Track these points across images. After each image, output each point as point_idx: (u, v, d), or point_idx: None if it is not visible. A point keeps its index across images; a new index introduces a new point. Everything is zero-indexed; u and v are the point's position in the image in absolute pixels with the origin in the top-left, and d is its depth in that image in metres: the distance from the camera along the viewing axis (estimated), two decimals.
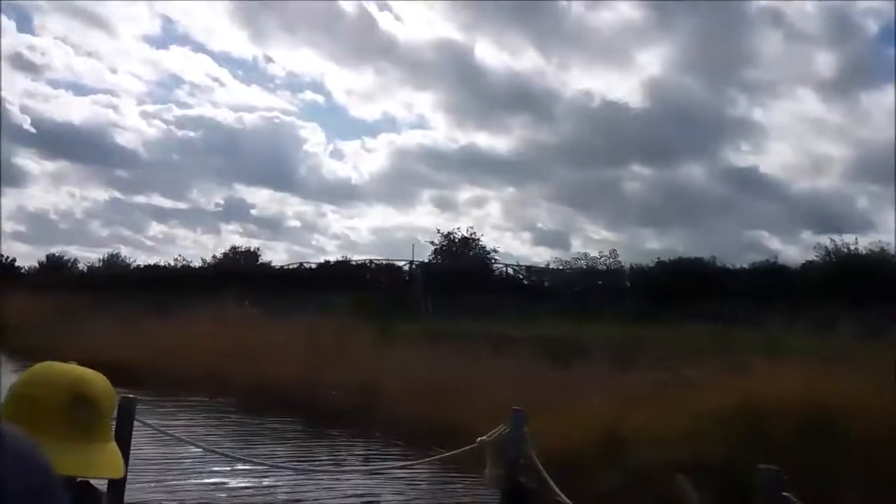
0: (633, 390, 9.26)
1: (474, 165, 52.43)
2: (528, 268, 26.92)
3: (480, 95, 51.82)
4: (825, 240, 23.35)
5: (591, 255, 26.15)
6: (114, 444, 1.10)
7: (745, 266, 22.60)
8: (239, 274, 28.35)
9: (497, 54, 59.87)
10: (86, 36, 61.08)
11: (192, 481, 7.70)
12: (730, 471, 6.13)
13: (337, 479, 8.07)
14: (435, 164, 58.59)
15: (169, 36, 60.17)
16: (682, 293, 19.92)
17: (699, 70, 49.61)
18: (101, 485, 1.18)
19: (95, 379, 1.12)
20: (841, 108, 49.51)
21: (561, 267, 26.00)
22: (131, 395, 5.21)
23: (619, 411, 8.29)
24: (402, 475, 8.23)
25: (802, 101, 50.50)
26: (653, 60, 56.04)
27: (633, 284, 22.85)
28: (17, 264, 49.29)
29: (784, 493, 3.82)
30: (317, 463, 9.17)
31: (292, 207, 62.69)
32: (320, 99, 66.22)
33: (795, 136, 51.05)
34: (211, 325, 17.46)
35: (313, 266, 29.28)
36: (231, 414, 12.55)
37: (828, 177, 49.57)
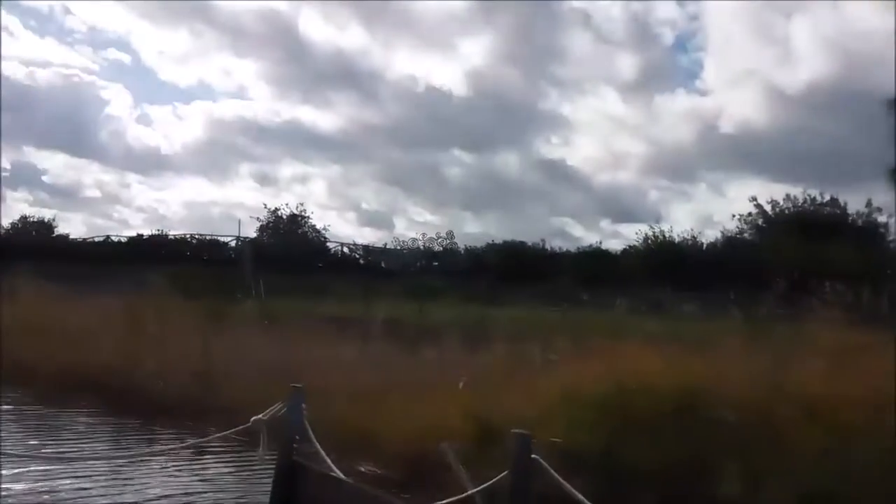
0: (485, 372, 8.99)
1: (298, 140, 50.83)
2: (366, 247, 26.24)
3: (305, 68, 50.30)
4: (623, 228, 25.05)
5: (429, 235, 26.05)
6: None
7: (572, 250, 23.61)
8: (32, 246, 24.89)
9: (323, 28, 58.33)
10: None
11: None
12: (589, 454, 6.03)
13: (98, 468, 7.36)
14: (255, 137, 55.99)
15: None
16: (516, 275, 20.34)
17: (516, 63, 51.96)
18: None
19: None
20: (638, 108, 54.02)
21: (398, 247, 25.63)
22: None
23: (472, 393, 7.95)
24: (172, 458, 7.87)
25: (605, 100, 54.70)
26: (475, 50, 57.74)
27: (471, 266, 23.03)
28: None
29: (533, 456, 4.09)
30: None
31: (92, 175, 56.59)
32: (126, 59, 60.65)
33: (598, 132, 55.20)
34: (5, 304, 15.05)
35: (123, 239, 26.47)
36: (28, 406, 10.77)
37: (625, 170, 54.06)
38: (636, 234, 23.69)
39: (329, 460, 5.32)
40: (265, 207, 31.95)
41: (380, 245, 25.90)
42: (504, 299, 16.53)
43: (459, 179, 47.77)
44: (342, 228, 64.27)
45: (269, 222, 33.16)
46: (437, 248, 25.30)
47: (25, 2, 61.51)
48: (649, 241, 21.98)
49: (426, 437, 6.91)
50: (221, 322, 13.98)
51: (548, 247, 23.96)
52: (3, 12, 58.94)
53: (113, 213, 51.03)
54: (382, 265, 24.79)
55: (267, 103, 57.25)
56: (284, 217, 33.57)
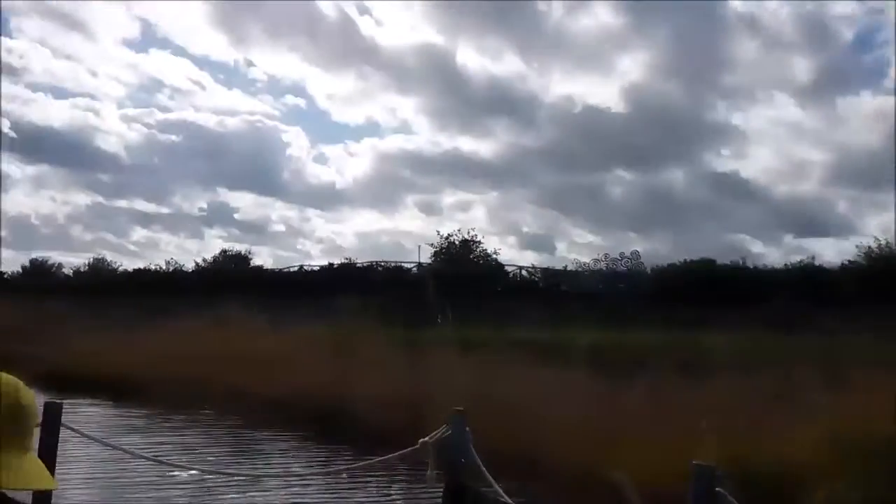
0: (722, 407, 7.94)
1: (458, 170, 51.61)
2: (545, 270, 25.57)
3: (463, 100, 50.99)
4: (810, 243, 22.23)
5: (612, 256, 24.88)
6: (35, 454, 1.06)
7: (781, 266, 21.37)
8: (234, 277, 26.81)
9: (478, 58, 59.06)
10: (64, 39, 59.37)
11: None
12: None
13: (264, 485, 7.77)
14: (418, 169, 57.69)
15: (148, 39, 58.64)
16: (714, 297, 18.68)
17: (678, 75, 49.18)
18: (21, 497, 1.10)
19: (22, 385, 1.06)
20: (818, 113, 49.09)
21: (580, 269, 24.69)
22: (58, 401, 4.96)
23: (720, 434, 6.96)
24: (346, 478, 8.13)
25: (780, 107, 50.24)
26: (633, 66, 55.50)
27: (661, 287, 21.58)
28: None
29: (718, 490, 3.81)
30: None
31: (276, 212, 61.19)
32: (302, 103, 64.90)
33: (774, 141, 50.75)
34: (213, 332, 16.09)
35: (315, 268, 27.80)
36: (235, 429, 11.20)
37: (807, 181, 49.18)
38: (857, 247, 21.15)
39: (496, 484, 5.25)
40: (437, 234, 32.50)
41: (558, 268, 25.25)
42: (709, 323, 15.10)
43: (622, 199, 46.05)
44: (504, 253, 64.36)
45: (441, 248, 33.84)
46: (620, 268, 24.09)
47: (215, 58, 68.08)
48: (873, 256, 19.43)
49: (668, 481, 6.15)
50: (419, 348, 13.95)
51: (753, 264, 21.94)
52: (196, 68, 65.45)
53: (297, 245, 54.45)
54: (562, 288, 23.95)
55: (428, 136, 58.91)
56: (456, 242, 34.02)
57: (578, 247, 67.87)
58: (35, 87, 59.30)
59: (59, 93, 64.28)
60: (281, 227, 56.87)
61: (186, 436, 10.61)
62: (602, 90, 62.81)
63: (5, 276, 46.22)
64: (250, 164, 51.45)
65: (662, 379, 9.69)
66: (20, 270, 47.98)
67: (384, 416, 10.08)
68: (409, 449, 5.59)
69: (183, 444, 9.93)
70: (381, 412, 10.26)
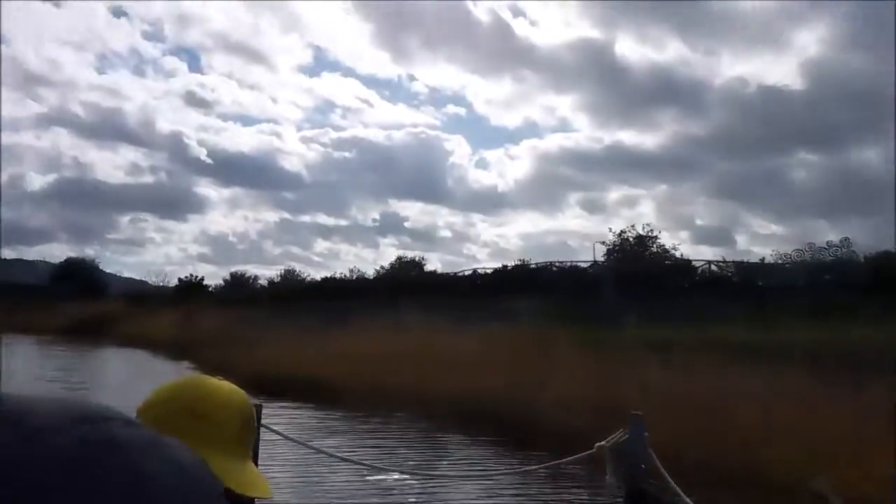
0: None
1: (621, 165, 49.54)
2: (739, 263, 23.54)
3: (623, 92, 48.90)
4: None
5: (816, 245, 22.36)
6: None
7: None
8: (411, 282, 27.40)
9: (638, 48, 56.42)
10: (248, 71, 64.73)
11: None
12: None
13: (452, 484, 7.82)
14: (580, 166, 56.30)
15: (320, 64, 62.45)
16: None
17: (863, 46, 43.48)
18: None
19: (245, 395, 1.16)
20: None
21: (780, 261, 22.46)
22: (258, 403, 4.87)
23: None
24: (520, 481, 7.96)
25: None
26: (811, 39, 50.03)
27: (877, 277, 19.00)
28: (205, 282, 52.71)
29: None
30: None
31: (443, 218, 62.73)
32: (462, 111, 65.91)
33: None
34: (397, 335, 16.39)
35: (488, 271, 27.72)
36: (431, 432, 11.13)
37: None
38: None
39: (679, 489, 5.02)
40: (610, 231, 31.34)
41: (754, 261, 23.06)
42: None
43: (808, 184, 41.55)
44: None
45: (614, 245, 32.13)
46: (827, 258, 21.58)
47: (380, 76, 70.88)
48: None
49: None
50: (603, 349, 13.24)
51: None
52: (363, 87, 68.46)
53: (463, 250, 55.31)
54: (759, 284, 21.89)
55: (589, 132, 57.46)
56: (631, 239, 32.42)
57: (761, 238, 62.78)
58: (225, 118, 65.45)
59: (247, 120, 70.51)
60: (447, 233, 58.16)
61: (382, 438, 10.74)
62: (777, 68, 57.83)
63: (210, 288, 51.10)
64: (417, 174, 53.22)
65: (888, 379, 8.32)
66: (223, 283, 52.94)
67: (569, 419, 9.57)
68: (585, 453, 5.49)
69: (380, 447, 10.05)
70: (566, 414, 9.75)
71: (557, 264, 25.44)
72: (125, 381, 18.43)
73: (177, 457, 0.51)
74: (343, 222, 61.43)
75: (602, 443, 5.40)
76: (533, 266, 26.44)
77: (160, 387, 1.11)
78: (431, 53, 59.45)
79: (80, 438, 0.47)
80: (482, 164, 63.39)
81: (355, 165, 58.13)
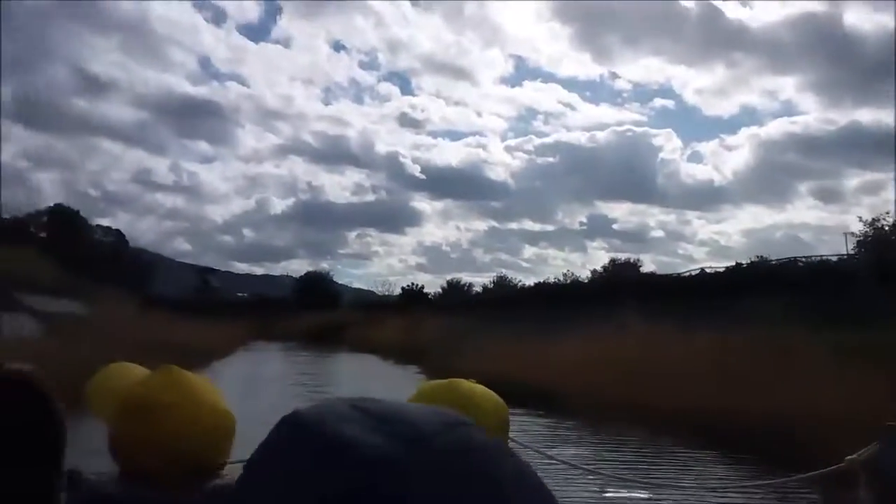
0: None
1: (859, 147, 43.12)
2: None
3: (856, 67, 42.74)
4: None
5: None
6: None
7: None
8: (628, 285, 26.05)
9: (871, 17, 48.95)
10: (453, 88, 66.71)
11: None
12: None
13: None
14: (809, 152, 50.18)
15: (521, 73, 62.54)
16: None
17: None
18: None
19: None
20: None
21: None
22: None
23: None
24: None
25: None
26: None
27: None
28: (425, 290, 55.18)
29: None
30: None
31: (654, 217, 59.53)
32: (670, 104, 62.18)
33: None
34: (619, 341, 15.50)
35: (720, 270, 25.57)
36: (665, 445, 10.23)
37: None
38: None
39: None
40: (859, 220, 28.06)
41: None
42: None
43: None
44: None
45: (866, 236, 28.62)
46: None
47: (581, 78, 69.36)
48: None
49: None
50: (867, 355, 11.34)
51: None
52: (565, 91, 67.48)
53: (678, 250, 52.11)
54: None
55: (818, 114, 51.23)
56: (886, 228, 28.59)
57: None
58: (435, 135, 68.17)
59: (454, 135, 72.89)
60: (660, 233, 55.27)
61: (617, 450, 10.13)
62: None
63: (430, 296, 53.32)
64: (623, 174, 51.30)
65: None
66: (440, 291, 54.96)
67: (822, 434, 8.22)
68: (832, 467, 4.56)
69: (618, 460, 9.51)
70: (818, 429, 8.40)
71: (803, 260, 22.68)
72: (362, 383, 19.46)
73: (518, 462, 0.52)
74: (550, 227, 61.19)
75: (853, 456, 4.66)
76: (773, 262, 23.88)
77: (421, 387, 1.20)
78: (634, 48, 57.32)
79: (456, 441, 0.49)
80: (695, 158, 59.75)
81: (559, 170, 57.71)
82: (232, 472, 1.36)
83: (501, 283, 50.34)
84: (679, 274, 27.33)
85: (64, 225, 49.56)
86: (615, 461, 9.33)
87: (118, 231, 65.45)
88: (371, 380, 20.35)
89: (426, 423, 0.48)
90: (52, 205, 53.96)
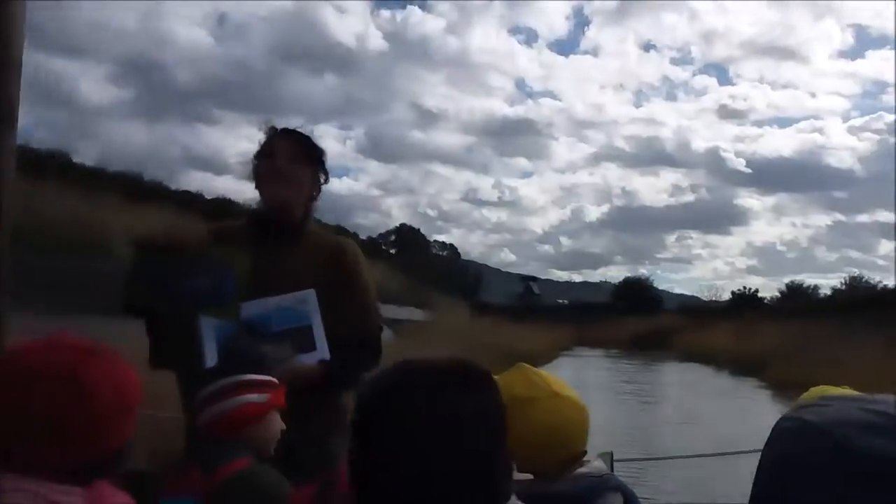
0: None
1: None
2: None
3: None
4: None
5: None
6: None
7: None
8: None
9: None
10: (779, 71, 59.81)
11: None
12: None
13: None
14: None
15: (862, 43, 53.43)
16: None
17: None
18: None
19: None
20: None
21: None
22: None
23: None
24: None
25: None
26: None
27: None
28: (759, 295, 50.51)
29: None
30: None
31: None
32: None
33: None
34: None
35: None
36: None
37: None
38: None
39: None
40: None
41: None
42: None
43: None
44: None
45: None
46: None
47: None
48: None
49: None
50: None
51: None
52: None
53: None
54: None
55: None
56: None
57: None
58: (760, 123, 61.97)
59: (783, 122, 65.42)
60: None
61: None
62: None
63: (765, 301, 48.66)
64: None
65: None
66: (778, 295, 49.81)
67: None
68: None
69: None
70: None
71: None
72: (696, 396, 18.26)
73: None
74: None
75: None
76: None
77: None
78: None
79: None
80: None
81: None
82: (590, 460, 1.43)
83: (856, 284, 43.85)
84: None
85: (408, 242, 55.83)
86: None
87: (451, 245, 71.75)
88: (704, 394, 18.97)
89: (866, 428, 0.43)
90: (398, 225, 61.18)
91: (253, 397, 1.53)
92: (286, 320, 2.02)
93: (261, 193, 2.13)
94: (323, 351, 2.03)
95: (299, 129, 2.18)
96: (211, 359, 1.87)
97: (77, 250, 11.49)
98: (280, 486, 1.43)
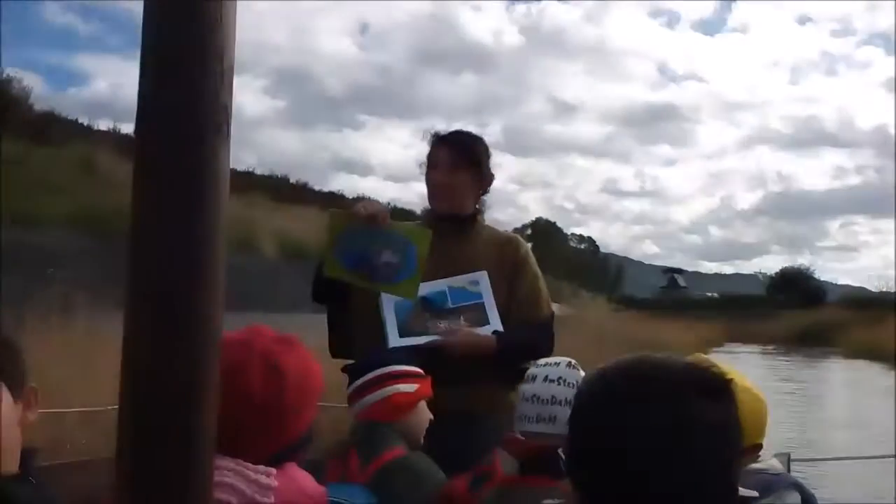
0: None
1: None
2: None
3: None
4: None
5: None
6: None
7: None
8: None
9: None
10: None
11: None
12: None
13: None
14: None
15: None
16: None
17: None
18: None
19: None
20: None
21: None
22: None
23: None
24: None
25: None
26: None
27: None
28: None
29: None
30: None
31: None
32: None
33: None
34: None
35: None
36: None
37: None
38: None
39: None
40: None
41: None
42: None
43: None
44: None
45: None
46: None
47: None
48: None
49: None
50: None
51: None
52: None
53: None
54: None
55: None
56: None
57: None
58: None
59: None
60: None
61: None
62: None
63: None
64: None
65: None
66: None
67: None
68: None
69: None
70: None
71: None
72: (868, 400, 16.77)
73: None
74: None
75: None
76: None
77: None
78: None
79: None
80: None
81: None
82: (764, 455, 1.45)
83: None
84: None
85: (544, 236, 55.28)
86: None
87: (590, 238, 70.21)
88: (874, 393, 17.30)
89: None
90: (534, 219, 60.73)
91: (402, 387, 1.61)
92: (461, 298, 2.12)
93: (430, 202, 2.27)
94: (496, 325, 2.11)
95: (462, 130, 2.29)
96: (393, 337, 1.99)
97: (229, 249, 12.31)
98: (435, 474, 1.51)
